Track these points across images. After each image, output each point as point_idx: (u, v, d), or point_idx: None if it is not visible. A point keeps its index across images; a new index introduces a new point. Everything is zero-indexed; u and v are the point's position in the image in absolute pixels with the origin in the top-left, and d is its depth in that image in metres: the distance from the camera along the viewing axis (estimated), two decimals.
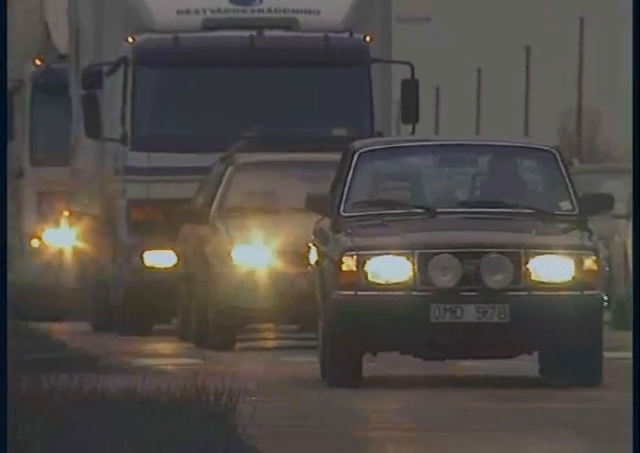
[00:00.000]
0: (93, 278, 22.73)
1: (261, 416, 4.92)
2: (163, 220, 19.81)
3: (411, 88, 21.03)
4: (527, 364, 8.54)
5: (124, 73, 20.55)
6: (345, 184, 8.63)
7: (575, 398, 7.02)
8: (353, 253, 7.95)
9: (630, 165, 17.68)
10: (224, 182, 16.82)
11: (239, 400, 4.58)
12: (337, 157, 9.85)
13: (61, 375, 9.29)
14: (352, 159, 8.72)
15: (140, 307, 20.28)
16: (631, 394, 6.11)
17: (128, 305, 20.35)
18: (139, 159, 20.45)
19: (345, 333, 7.96)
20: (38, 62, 27.30)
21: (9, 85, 24.17)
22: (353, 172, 8.66)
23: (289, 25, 21.07)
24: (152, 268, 20.24)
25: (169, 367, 12.55)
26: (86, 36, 22.84)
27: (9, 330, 12.28)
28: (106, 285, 21.86)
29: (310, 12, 21.15)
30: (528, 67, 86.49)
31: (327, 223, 8.74)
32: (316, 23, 21.02)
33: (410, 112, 20.99)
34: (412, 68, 21.07)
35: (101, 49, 22.02)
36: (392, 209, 8.59)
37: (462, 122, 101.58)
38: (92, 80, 21.02)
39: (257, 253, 15.56)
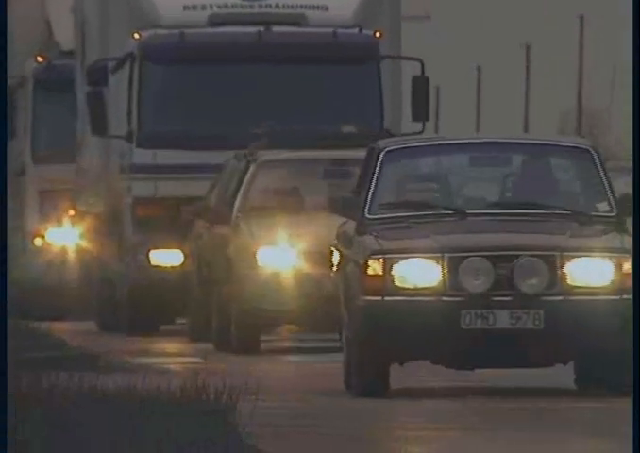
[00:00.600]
0: (98, 277, 22.49)
1: (261, 415, 4.94)
2: (170, 218, 19.58)
3: (421, 85, 20.84)
4: (560, 373, 8.17)
5: (129, 69, 20.30)
6: (370, 185, 8.23)
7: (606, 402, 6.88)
8: (379, 256, 7.57)
9: (629, 164, 17.51)
10: (246, 180, 16.39)
11: (239, 399, 4.61)
12: (362, 153, 9.47)
13: (62, 374, 9.07)
14: (377, 159, 8.35)
15: (145, 306, 20.04)
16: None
17: (134, 304, 20.12)
18: (145, 156, 20.20)
19: (372, 341, 7.58)
20: (40, 59, 26.99)
21: (11, 82, 23.94)
22: (379, 172, 8.28)
23: (297, 20, 20.85)
24: (158, 267, 20.02)
25: (170, 366, 12.40)
26: (91, 32, 22.57)
27: (10, 329, 12.17)
28: (111, 284, 21.62)
29: (318, 8, 20.94)
30: (528, 66, 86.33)
31: (351, 225, 8.35)
32: (325, 18, 20.82)
33: (420, 110, 20.79)
34: (423, 64, 20.85)
35: (107, 45, 21.74)
36: (420, 210, 8.21)
37: (461, 120, 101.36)
38: (98, 77, 20.79)
39: (282, 254, 15.22)
